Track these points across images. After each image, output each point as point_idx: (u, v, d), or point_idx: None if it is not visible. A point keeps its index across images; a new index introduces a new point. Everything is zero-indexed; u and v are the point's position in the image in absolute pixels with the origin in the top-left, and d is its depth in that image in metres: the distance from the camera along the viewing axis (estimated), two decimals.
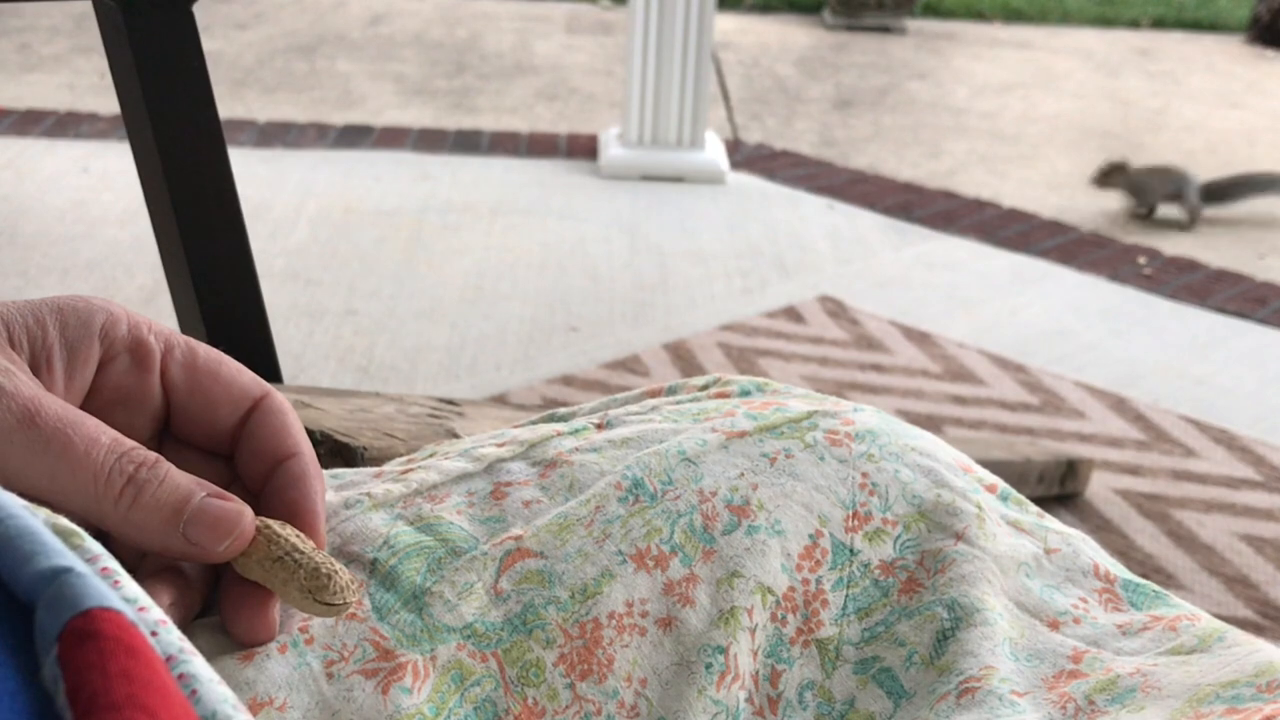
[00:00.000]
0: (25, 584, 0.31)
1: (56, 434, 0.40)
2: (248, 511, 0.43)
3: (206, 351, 0.47)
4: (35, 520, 0.33)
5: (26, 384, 0.41)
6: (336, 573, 0.43)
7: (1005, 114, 3.96)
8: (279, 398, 0.47)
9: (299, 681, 0.44)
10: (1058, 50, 4.79)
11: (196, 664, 0.33)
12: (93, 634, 0.30)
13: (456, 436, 0.64)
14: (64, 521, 0.36)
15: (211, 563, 0.43)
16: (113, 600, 0.31)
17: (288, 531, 0.43)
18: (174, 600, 0.43)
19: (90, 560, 0.35)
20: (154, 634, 0.33)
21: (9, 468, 0.39)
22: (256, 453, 0.46)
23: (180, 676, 0.32)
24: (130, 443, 0.42)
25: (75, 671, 0.29)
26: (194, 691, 0.32)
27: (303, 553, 0.42)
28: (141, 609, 0.33)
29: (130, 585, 0.34)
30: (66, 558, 0.32)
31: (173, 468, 0.42)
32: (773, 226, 2.91)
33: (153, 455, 0.42)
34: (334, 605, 0.42)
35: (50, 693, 0.29)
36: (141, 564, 0.44)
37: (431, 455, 0.55)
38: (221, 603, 0.44)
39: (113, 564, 0.35)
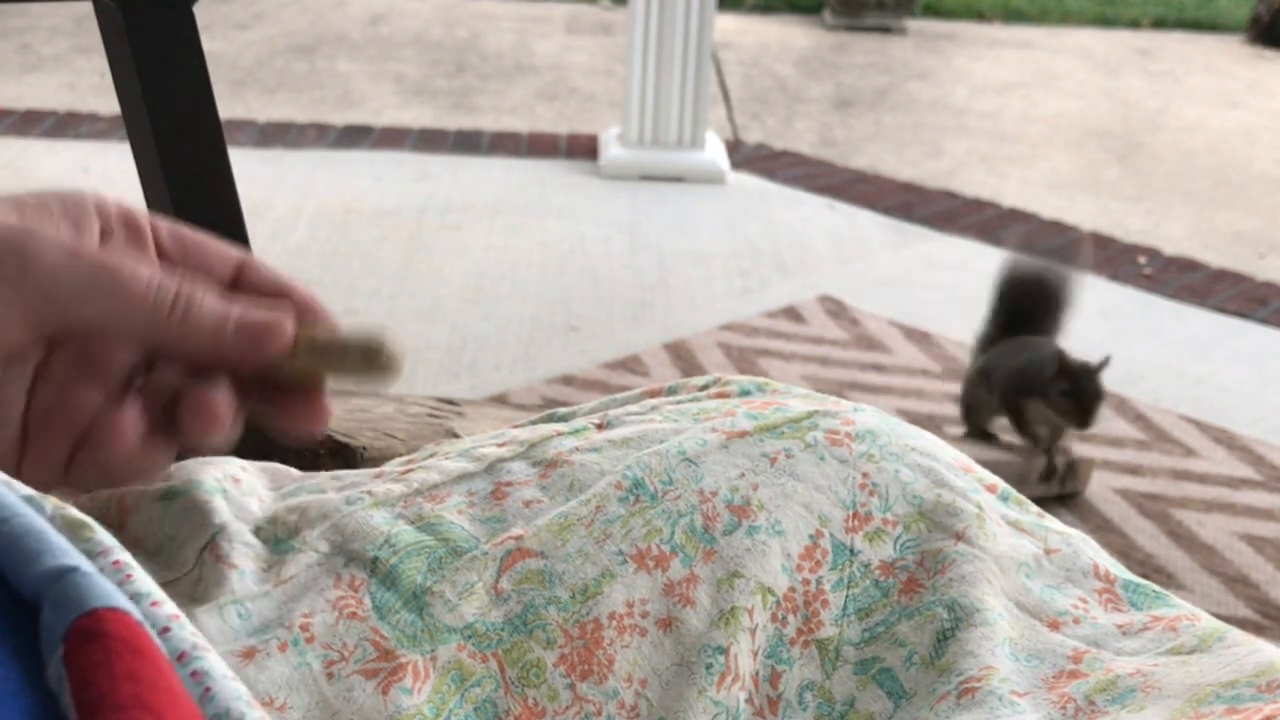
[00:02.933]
0: (30, 583, 0.31)
1: (102, 267, 0.42)
2: (285, 312, 0.44)
3: (183, 226, 0.48)
4: (40, 519, 0.33)
5: (56, 234, 0.43)
6: (384, 335, 0.42)
7: (1005, 114, 3.96)
8: (259, 257, 0.48)
9: (299, 682, 0.44)
10: (1058, 50, 4.79)
11: (210, 660, 0.33)
12: (99, 634, 0.30)
13: (456, 436, 0.64)
14: (73, 512, 0.36)
15: (261, 363, 0.44)
16: (119, 600, 0.31)
17: (319, 329, 0.44)
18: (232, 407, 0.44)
19: (102, 553, 0.35)
20: (166, 630, 0.33)
21: (67, 302, 0.42)
22: (259, 300, 0.47)
23: (194, 674, 0.32)
24: (162, 271, 0.44)
25: (81, 672, 0.29)
26: (207, 689, 0.32)
27: (344, 332, 0.43)
28: (154, 603, 0.33)
29: (143, 579, 0.34)
30: (72, 556, 0.32)
31: (205, 288, 0.44)
32: (773, 226, 2.91)
33: (184, 280, 0.44)
34: (392, 365, 0.42)
35: (55, 693, 0.29)
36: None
37: (431, 455, 0.55)
38: (275, 409, 0.46)
39: (124, 557, 0.35)
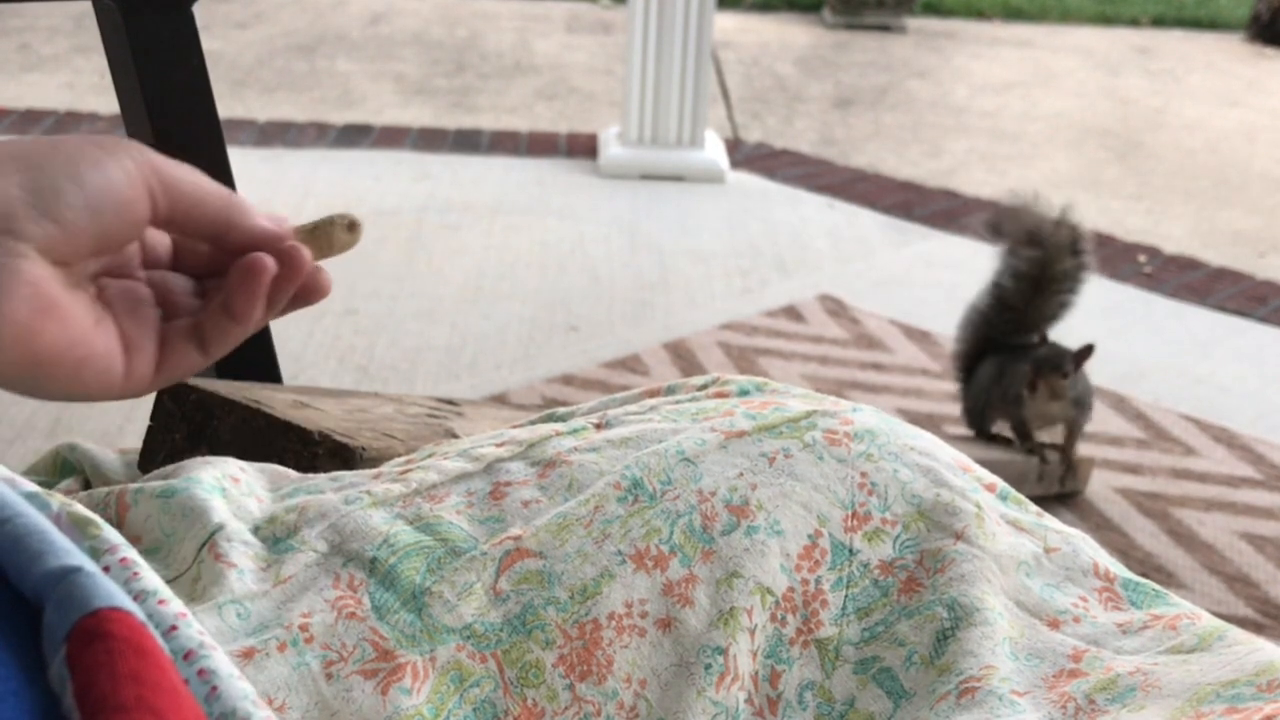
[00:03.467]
0: (33, 583, 0.31)
1: (192, 169, 0.53)
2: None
3: None
4: (43, 519, 0.33)
5: None
6: (346, 212, 0.58)
7: (1005, 113, 3.96)
8: None
9: (298, 682, 0.44)
10: (1058, 49, 4.79)
11: (216, 659, 0.33)
12: (102, 634, 0.30)
13: (455, 437, 0.64)
14: (80, 510, 0.36)
15: (279, 234, 0.56)
16: (122, 600, 0.31)
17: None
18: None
19: (109, 549, 0.35)
20: (173, 628, 0.33)
21: (175, 191, 0.52)
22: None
23: (200, 672, 0.32)
24: None
25: (84, 672, 0.29)
26: (214, 688, 0.32)
27: (318, 220, 0.57)
28: (161, 601, 0.33)
29: (149, 577, 0.34)
30: (75, 556, 0.32)
31: None
32: (773, 225, 2.91)
33: None
34: (360, 229, 0.58)
35: (57, 693, 0.29)
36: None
37: (430, 455, 0.55)
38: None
39: (131, 554, 0.35)
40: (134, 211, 0.51)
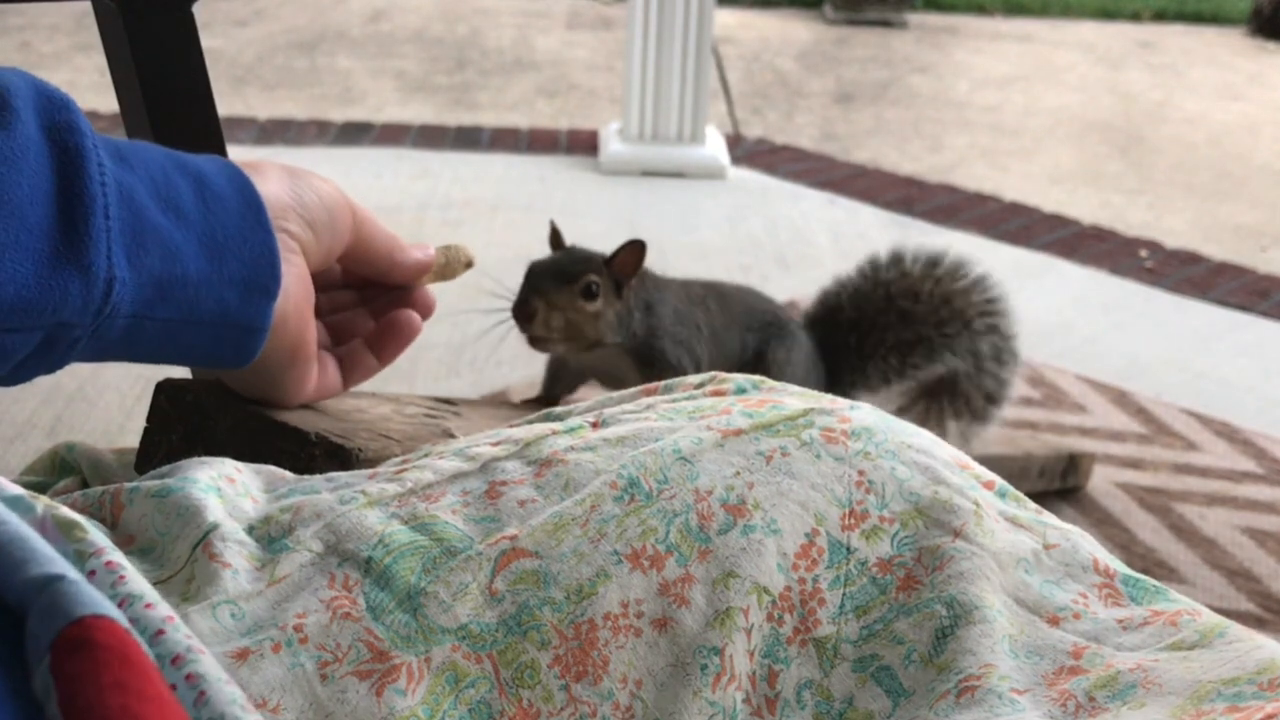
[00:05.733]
0: (16, 591, 0.31)
1: (367, 214, 0.62)
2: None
3: None
4: (25, 525, 0.33)
5: None
6: (462, 245, 0.69)
7: (1006, 107, 3.95)
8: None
9: (292, 683, 0.44)
10: (1059, 43, 4.79)
11: (205, 663, 0.32)
12: (86, 643, 0.30)
13: (452, 436, 0.64)
14: (65, 513, 0.36)
15: (429, 265, 0.66)
16: (106, 607, 0.31)
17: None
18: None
19: (95, 553, 0.35)
20: (160, 633, 0.33)
21: (358, 233, 0.61)
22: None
23: (188, 677, 0.32)
24: None
25: (68, 681, 0.29)
26: (202, 693, 0.32)
27: (444, 249, 0.67)
28: (148, 605, 0.33)
29: (136, 581, 0.34)
30: (59, 564, 0.32)
31: None
32: (774, 221, 2.90)
33: None
34: (474, 262, 0.69)
35: (41, 702, 0.29)
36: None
37: (426, 455, 0.55)
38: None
39: (117, 558, 0.35)
40: (346, 234, 0.58)
